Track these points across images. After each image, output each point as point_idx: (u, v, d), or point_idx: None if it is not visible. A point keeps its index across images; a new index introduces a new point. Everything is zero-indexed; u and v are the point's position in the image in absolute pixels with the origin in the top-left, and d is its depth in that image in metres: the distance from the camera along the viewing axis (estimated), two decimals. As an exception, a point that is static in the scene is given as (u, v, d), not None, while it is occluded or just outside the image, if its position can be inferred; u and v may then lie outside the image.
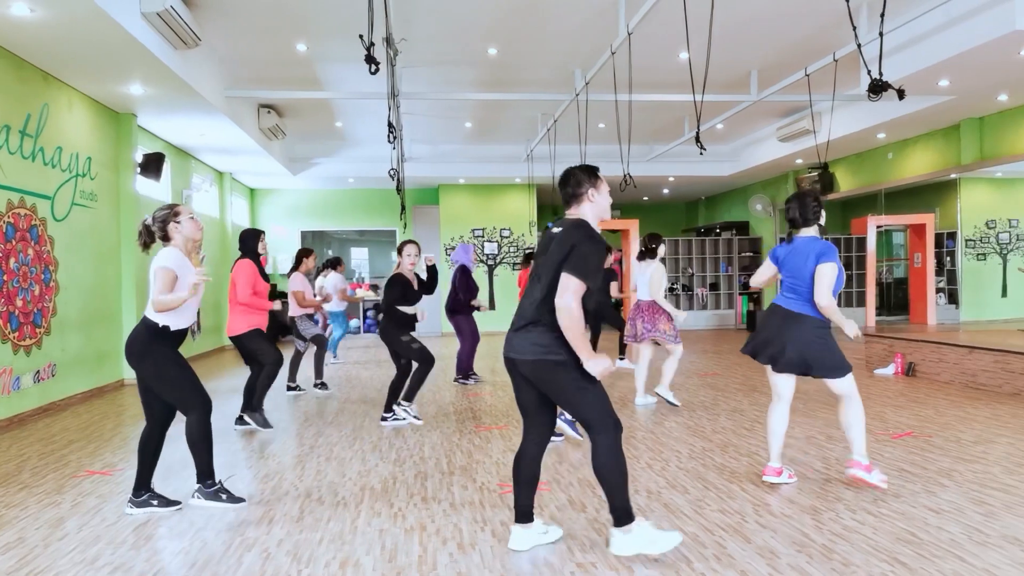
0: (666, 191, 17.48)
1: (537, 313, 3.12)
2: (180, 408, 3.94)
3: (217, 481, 4.07)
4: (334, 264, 10.18)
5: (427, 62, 8.67)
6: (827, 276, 3.92)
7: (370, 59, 3.83)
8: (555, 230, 3.20)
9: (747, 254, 16.46)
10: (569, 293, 3.00)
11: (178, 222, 3.85)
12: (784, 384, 4.23)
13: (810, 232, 4.11)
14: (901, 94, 4.74)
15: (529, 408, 3.28)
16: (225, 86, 8.88)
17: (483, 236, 15.62)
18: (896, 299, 15.90)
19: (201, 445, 3.97)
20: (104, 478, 4.68)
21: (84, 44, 6.34)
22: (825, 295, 3.92)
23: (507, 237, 15.69)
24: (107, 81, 7.49)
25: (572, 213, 3.25)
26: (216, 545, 3.46)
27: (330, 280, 9.87)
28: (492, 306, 7.27)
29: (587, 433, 3.15)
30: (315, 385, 8.15)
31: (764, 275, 4.36)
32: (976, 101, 9.16)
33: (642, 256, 6.89)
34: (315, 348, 8.09)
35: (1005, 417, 6.02)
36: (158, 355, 3.83)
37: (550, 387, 3.13)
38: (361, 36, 3.99)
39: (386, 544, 3.43)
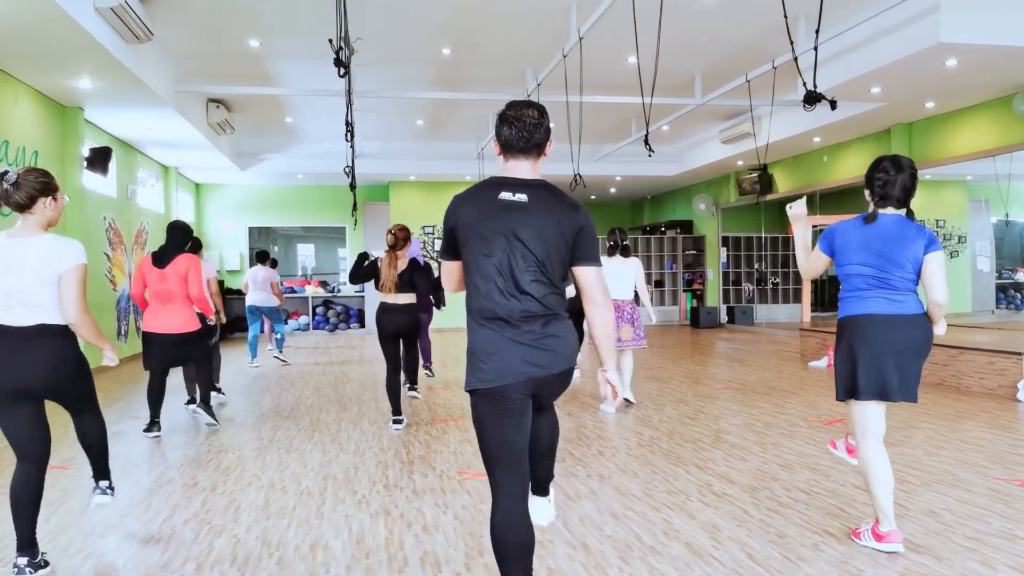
0: (613, 190, 17.84)
1: (553, 309, 2.39)
2: (86, 408, 3.29)
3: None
4: (262, 258, 10.04)
5: (381, 60, 8.76)
6: (943, 267, 3.14)
7: (339, 62, 3.95)
8: (517, 197, 2.35)
9: (691, 252, 16.94)
10: (605, 292, 2.43)
11: (55, 199, 3.08)
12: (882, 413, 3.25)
13: (900, 212, 3.22)
14: (833, 105, 5.07)
15: (522, 448, 2.41)
16: (175, 80, 8.82)
17: (433, 233, 15.73)
18: (830, 295, 16.57)
19: (104, 437, 3.41)
20: (63, 472, 4.70)
21: (36, 38, 6.28)
22: (945, 291, 3.13)
23: (457, 234, 15.81)
24: (56, 75, 7.40)
25: (525, 170, 2.42)
26: (186, 532, 3.57)
27: (254, 273, 9.86)
28: (440, 304, 7.45)
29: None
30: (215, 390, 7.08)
31: (818, 264, 3.34)
32: (905, 108, 9.66)
33: (613, 252, 6.50)
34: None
35: (927, 405, 6.45)
36: (87, 364, 3.22)
37: (561, 390, 2.52)
38: (331, 40, 4.10)
39: (353, 528, 3.59)
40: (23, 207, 3.00)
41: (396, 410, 5.90)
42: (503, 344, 2.33)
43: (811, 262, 3.35)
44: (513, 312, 2.33)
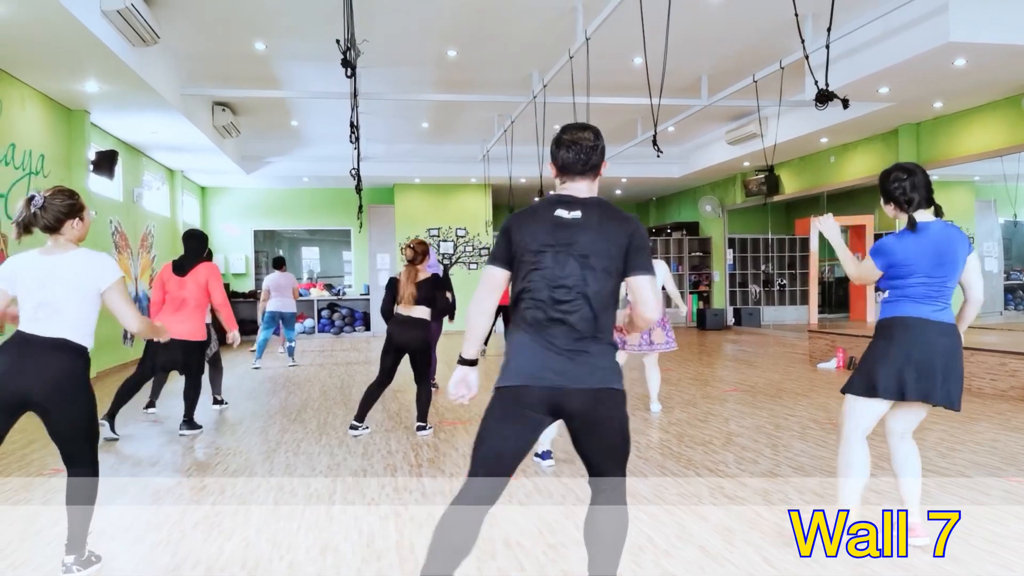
0: (618, 192, 17.82)
1: (595, 327, 2.36)
2: (81, 459, 3.06)
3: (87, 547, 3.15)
4: (280, 264, 10.19)
5: (386, 63, 8.75)
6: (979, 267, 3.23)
7: (346, 63, 3.94)
8: (572, 215, 2.39)
9: (697, 254, 16.90)
10: (658, 302, 2.45)
11: (82, 219, 3.07)
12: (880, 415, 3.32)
13: (931, 214, 3.21)
14: (845, 103, 5.03)
15: (510, 459, 2.42)
16: (181, 83, 8.82)
17: (439, 236, 15.71)
18: (837, 297, 16.54)
19: (90, 507, 3.11)
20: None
21: (43, 41, 6.29)
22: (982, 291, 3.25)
23: (463, 237, 15.81)
24: (63, 78, 7.41)
25: (583, 190, 2.46)
26: (195, 535, 3.55)
27: (276, 279, 9.93)
28: (451, 317, 7.10)
29: (603, 483, 2.46)
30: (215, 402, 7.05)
31: (872, 276, 3.28)
32: (913, 108, 9.61)
33: None
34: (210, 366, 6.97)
35: (939, 407, 6.39)
36: (91, 392, 3.08)
37: (608, 426, 2.38)
38: (338, 40, 4.09)
39: (363, 530, 3.56)
40: (51, 229, 3.01)
41: (360, 416, 5.73)
42: (530, 347, 2.37)
43: (864, 272, 3.27)
44: (551, 322, 2.36)
